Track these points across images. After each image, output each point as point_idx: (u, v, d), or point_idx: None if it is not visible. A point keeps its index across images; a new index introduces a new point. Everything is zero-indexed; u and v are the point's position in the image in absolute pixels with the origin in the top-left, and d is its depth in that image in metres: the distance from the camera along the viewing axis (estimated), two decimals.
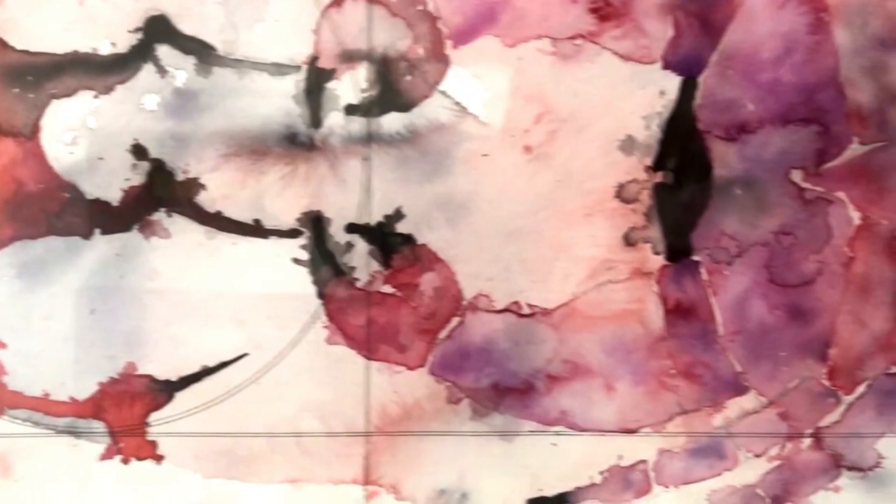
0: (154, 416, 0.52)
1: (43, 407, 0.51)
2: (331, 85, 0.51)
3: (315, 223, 0.51)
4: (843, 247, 0.51)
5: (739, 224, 0.51)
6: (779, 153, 0.51)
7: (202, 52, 0.50)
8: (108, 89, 0.51)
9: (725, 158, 0.51)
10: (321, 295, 0.51)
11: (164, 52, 0.51)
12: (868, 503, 0.53)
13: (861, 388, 0.52)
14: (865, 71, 0.51)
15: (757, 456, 0.53)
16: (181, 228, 0.51)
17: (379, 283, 0.51)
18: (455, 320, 0.52)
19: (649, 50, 0.51)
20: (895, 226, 0.51)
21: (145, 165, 0.51)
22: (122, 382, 0.51)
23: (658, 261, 0.51)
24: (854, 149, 0.51)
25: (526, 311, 0.52)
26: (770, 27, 0.50)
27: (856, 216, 0.51)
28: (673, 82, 0.51)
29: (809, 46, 0.50)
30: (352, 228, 0.51)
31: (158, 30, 0.50)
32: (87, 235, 0.51)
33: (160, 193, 0.51)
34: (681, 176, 0.51)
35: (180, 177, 0.51)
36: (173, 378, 0.52)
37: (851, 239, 0.51)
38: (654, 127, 0.51)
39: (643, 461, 0.52)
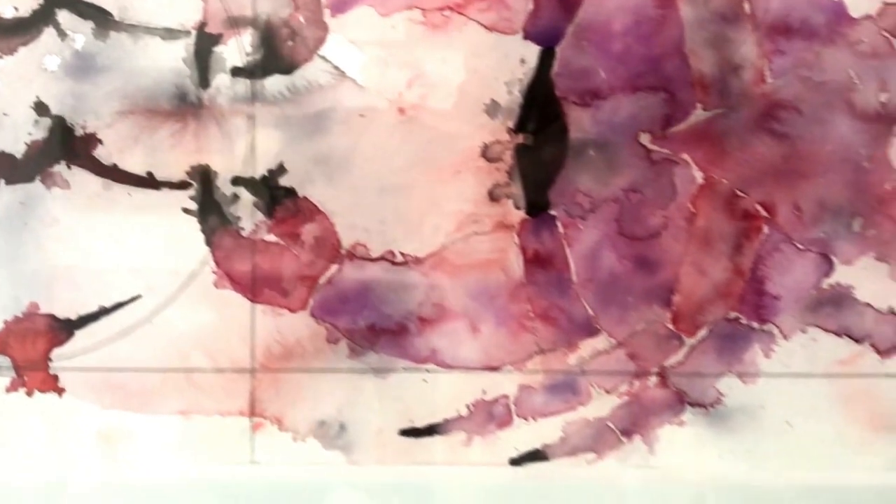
0: (56, 353, 0.56)
1: None
2: (218, 49, 0.55)
3: (203, 176, 0.55)
4: (686, 204, 0.56)
5: (592, 182, 0.56)
6: (628, 118, 0.56)
7: (99, 18, 0.54)
8: (11, 50, 0.54)
9: (580, 122, 0.56)
10: (209, 242, 0.56)
11: (63, 16, 0.54)
12: (709, 437, 0.58)
13: (702, 332, 0.57)
14: (708, 42, 0.55)
15: (608, 392, 0.57)
16: (80, 180, 0.55)
17: (263, 233, 0.56)
18: (334, 267, 0.56)
19: (511, 22, 0.55)
20: (734, 185, 0.56)
21: (47, 121, 0.55)
22: (26, 321, 0.56)
23: (519, 215, 0.56)
24: (697, 114, 0.56)
25: (399, 259, 0.56)
26: (620, 2, 0.55)
27: (699, 176, 0.56)
28: (532, 52, 0.55)
29: (656, 20, 0.55)
30: (237, 181, 0.55)
31: None
32: None
33: (62, 147, 0.55)
34: (540, 138, 0.56)
35: (79, 132, 0.55)
36: (73, 317, 0.56)
37: (694, 196, 0.56)
38: (516, 92, 0.55)
39: (505, 396, 0.57)
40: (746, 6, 0.55)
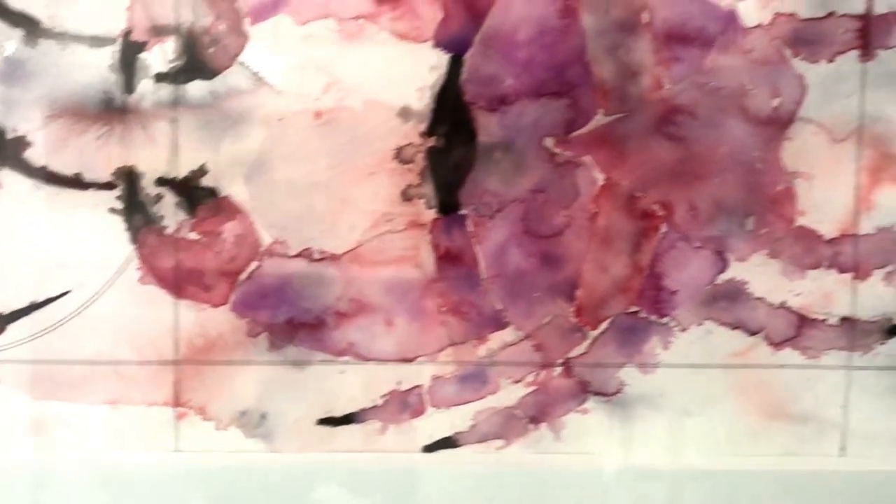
0: None
1: None
2: (142, 56, 0.57)
3: (128, 177, 0.58)
4: (588, 204, 0.59)
5: (500, 183, 0.59)
6: (533, 122, 0.59)
7: (29, 25, 0.57)
8: None
9: (488, 126, 0.59)
10: (134, 240, 0.58)
11: None
12: (611, 424, 0.61)
13: (604, 325, 0.60)
14: (608, 51, 0.58)
15: (515, 382, 0.61)
16: (11, 181, 0.58)
17: (186, 231, 0.58)
18: (254, 264, 0.59)
19: (422, 30, 0.58)
20: (633, 186, 0.59)
21: None
22: None
23: (430, 214, 0.59)
24: (599, 119, 0.59)
25: (317, 256, 0.59)
26: (525, 12, 0.58)
27: (600, 177, 0.59)
28: (442, 59, 0.58)
29: (559, 29, 0.58)
30: (161, 182, 0.58)
31: None
32: None
33: None
34: (450, 141, 0.58)
35: (10, 135, 0.57)
36: (5, 312, 0.59)
37: (596, 197, 0.59)
38: (427, 98, 0.58)
39: (419, 386, 0.60)
40: (645, 16, 0.58)
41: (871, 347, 0.60)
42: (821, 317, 0.60)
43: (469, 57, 0.58)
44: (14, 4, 0.56)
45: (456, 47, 0.58)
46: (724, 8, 0.58)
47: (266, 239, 0.58)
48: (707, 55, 0.58)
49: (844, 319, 0.60)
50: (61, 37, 0.57)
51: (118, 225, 0.58)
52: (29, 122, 0.57)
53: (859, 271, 0.60)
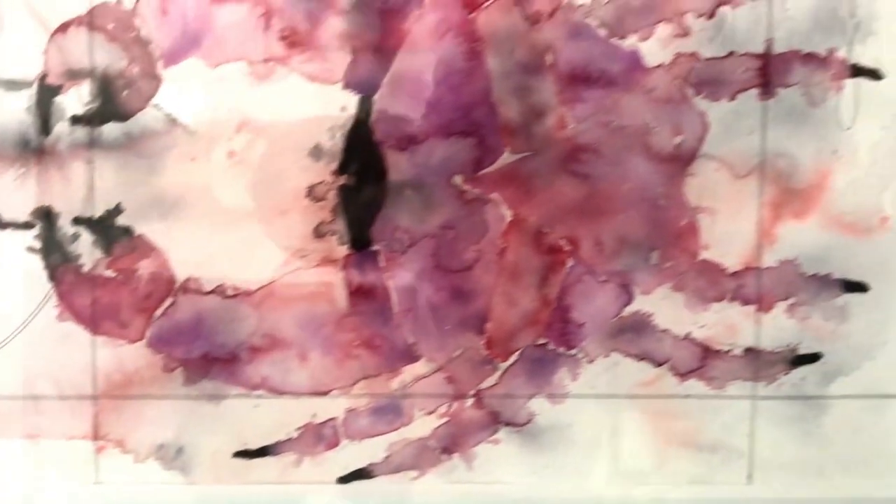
0: None
1: None
2: (58, 99, 0.59)
3: (46, 216, 0.59)
4: (497, 239, 0.61)
5: (411, 220, 0.60)
6: (442, 160, 0.60)
7: None
8: None
9: (398, 164, 0.60)
10: (52, 278, 0.60)
11: None
12: (522, 454, 0.62)
13: (514, 357, 0.62)
14: (513, 91, 0.60)
15: (428, 413, 0.62)
16: None
17: (102, 268, 0.60)
18: (169, 301, 0.60)
19: (331, 72, 0.59)
20: (540, 222, 0.61)
21: None
22: None
23: (343, 250, 0.60)
24: (506, 157, 0.60)
25: (231, 292, 0.61)
26: (432, 54, 0.59)
27: (508, 214, 0.61)
28: (352, 100, 0.59)
29: (465, 71, 0.60)
30: (78, 221, 0.59)
31: None
32: None
33: None
34: (361, 179, 0.60)
35: None
36: None
37: (504, 232, 0.61)
38: (338, 137, 0.60)
39: (333, 418, 0.62)
40: (548, 58, 0.59)
41: (775, 378, 0.62)
42: (725, 348, 0.61)
43: (378, 98, 0.59)
44: None
45: (365, 88, 0.59)
46: (626, 49, 0.59)
47: (180, 276, 0.60)
48: (610, 95, 0.59)
49: (749, 350, 0.62)
50: None
51: (36, 263, 0.59)
52: None
53: (762, 303, 0.61)
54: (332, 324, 0.60)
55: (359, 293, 0.60)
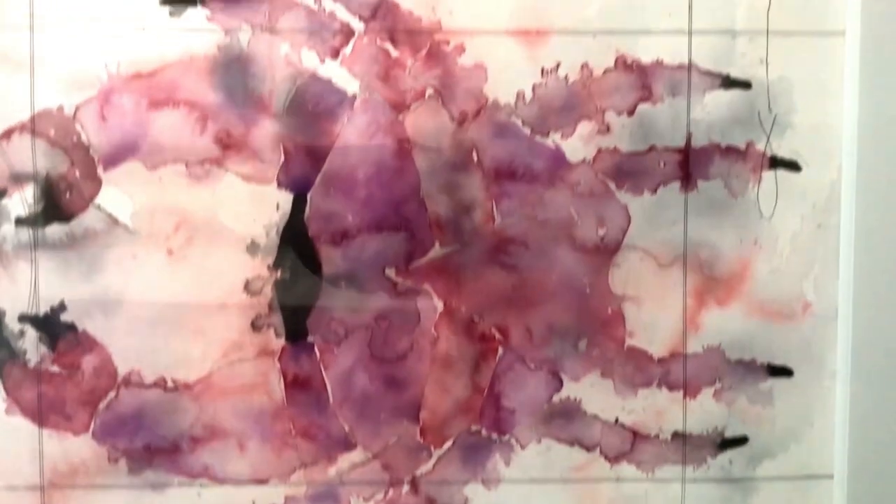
0: None
1: None
2: (3, 202, 0.61)
3: None
4: (429, 329, 0.63)
5: (345, 312, 0.62)
6: (375, 254, 0.62)
7: None
8: None
9: (332, 259, 0.62)
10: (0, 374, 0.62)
11: None
12: None
13: (448, 443, 0.63)
14: (441, 188, 0.62)
15: (366, 500, 0.63)
16: None
17: (48, 364, 0.62)
18: (112, 394, 0.62)
19: (266, 172, 0.61)
20: (471, 311, 0.63)
21: None
22: None
23: (280, 342, 0.62)
24: (436, 250, 0.62)
25: (171, 385, 0.63)
26: (363, 154, 0.61)
27: (439, 304, 0.63)
28: (287, 198, 0.62)
29: (395, 169, 0.62)
30: (23, 318, 0.62)
31: None
32: None
33: None
34: (296, 273, 0.62)
35: None
36: None
37: (436, 322, 0.63)
38: (273, 234, 0.62)
39: None
40: (474, 156, 0.61)
41: (703, 460, 0.63)
42: (654, 432, 0.63)
43: (311, 195, 0.61)
44: None
45: (298, 187, 0.61)
46: (550, 145, 0.61)
47: (123, 370, 0.62)
48: (535, 189, 0.61)
49: (676, 434, 0.63)
50: None
51: None
52: None
53: (689, 389, 0.63)
54: (269, 414, 0.62)
55: (295, 384, 0.62)
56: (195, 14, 0.61)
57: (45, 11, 0.60)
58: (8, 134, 0.60)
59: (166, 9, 0.61)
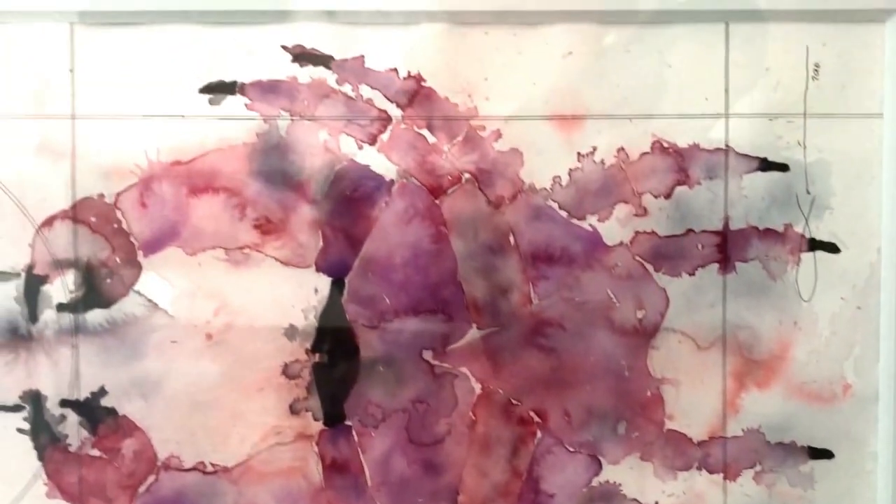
0: None
1: None
2: (45, 288, 0.62)
3: (34, 399, 0.62)
4: (467, 412, 0.63)
5: (383, 395, 0.63)
6: (412, 337, 0.62)
7: None
8: None
9: (370, 342, 0.62)
10: (41, 458, 0.62)
11: None
12: None
13: None
14: (478, 271, 0.62)
15: None
16: None
17: (88, 448, 0.62)
18: (151, 478, 0.63)
19: (304, 257, 0.62)
20: (509, 394, 0.63)
21: None
22: None
23: (317, 426, 0.63)
24: (473, 333, 0.62)
25: (210, 469, 0.63)
26: (400, 238, 0.62)
27: (477, 387, 0.63)
28: (325, 282, 0.62)
29: (432, 253, 0.62)
30: (64, 403, 0.62)
31: None
32: None
33: None
34: (334, 356, 0.62)
35: None
36: None
37: (474, 405, 0.63)
38: (312, 318, 0.62)
39: None
40: (511, 239, 0.61)
41: None
42: None
43: (349, 280, 0.62)
44: None
45: (336, 271, 0.62)
46: (587, 229, 0.61)
47: (162, 454, 0.62)
48: (572, 272, 0.61)
49: None
50: None
51: (26, 444, 0.62)
52: None
53: (729, 472, 0.62)
54: (307, 498, 0.62)
55: (333, 467, 0.62)
56: (234, 102, 0.61)
57: (85, 101, 0.61)
58: (49, 221, 0.61)
59: (205, 97, 0.61)
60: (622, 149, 0.61)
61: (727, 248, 0.62)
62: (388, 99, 0.61)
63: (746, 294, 0.62)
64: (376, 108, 0.61)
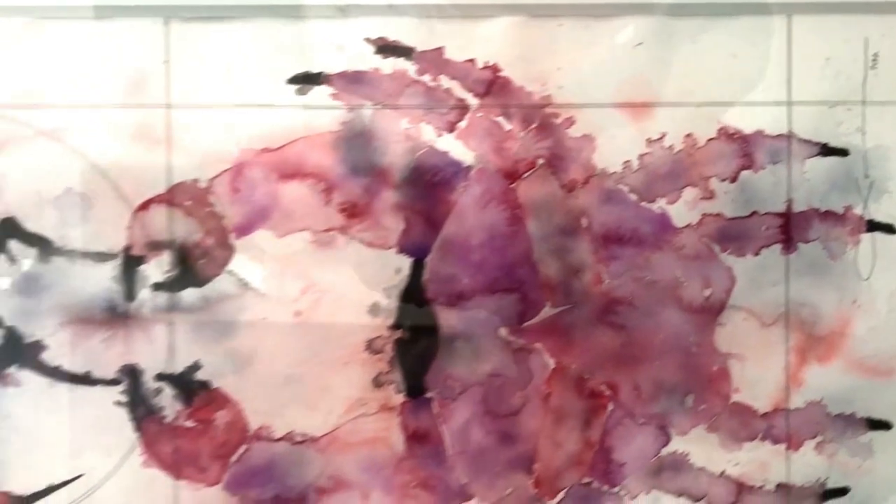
0: None
1: None
2: (141, 268, 0.65)
3: (132, 373, 0.66)
4: (541, 385, 0.66)
5: (461, 369, 0.66)
6: (489, 315, 0.65)
7: (42, 245, 0.65)
8: None
9: (449, 319, 0.66)
10: (138, 429, 0.66)
11: (13, 245, 0.65)
12: None
13: (560, 495, 0.66)
14: (552, 252, 0.65)
15: None
16: (29, 379, 0.66)
17: (183, 419, 0.66)
18: (243, 447, 0.66)
19: (387, 239, 0.65)
20: (581, 369, 0.66)
21: (1, 331, 0.66)
22: None
23: (399, 398, 0.66)
24: (547, 311, 0.65)
25: (298, 439, 0.66)
26: (477, 221, 0.65)
27: (551, 362, 0.66)
28: (406, 263, 0.65)
29: (508, 235, 0.65)
30: (160, 377, 0.66)
31: (9, 229, 0.65)
32: None
33: (14, 352, 0.66)
34: (415, 333, 0.66)
35: (28, 340, 0.65)
36: (26, 494, 0.66)
37: (548, 379, 0.66)
38: (394, 296, 0.65)
39: None
40: (584, 221, 0.65)
41: None
42: (758, 484, 0.66)
43: (429, 260, 0.65)
44: (29, 227, 0.65)
45: (417, 252, 0.65)
46: (656, 211, 0.64)
47: (253, 425, 0.65)
48: (642, 253, 0.65)
49: (780, 486, 0.66)
50: (70, 254, 0.65)
51: (123, 416, 0.65)
52: (44, 329, 0.65)
53: (792, 442, 0.66)
54: (391, 466, 0.66)
55: (415, 437, 0.66)
56: (320, 92, 0.64)
57: (179, 91, 0.64)
58: (146, 205, 0.65)
59: (293, 88, 0.64)
60: (690, 135, 0.64)
61: (790, 229, 0.65)
62: (466, 88, 0.64)
63: (808, 273, 0.65)
64: (455, 98, 0.64)
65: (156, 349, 0.65)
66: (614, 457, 0.66)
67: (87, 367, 0.65)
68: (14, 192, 0.65)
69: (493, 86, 0.64)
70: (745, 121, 0.64)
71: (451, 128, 0.64)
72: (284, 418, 0.65)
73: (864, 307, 0.65)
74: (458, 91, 0.64)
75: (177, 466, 0.65)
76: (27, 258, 0.65)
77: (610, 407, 0.65)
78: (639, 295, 0.65)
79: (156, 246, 0.65)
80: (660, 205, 0.65)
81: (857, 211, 0.64)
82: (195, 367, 0.65)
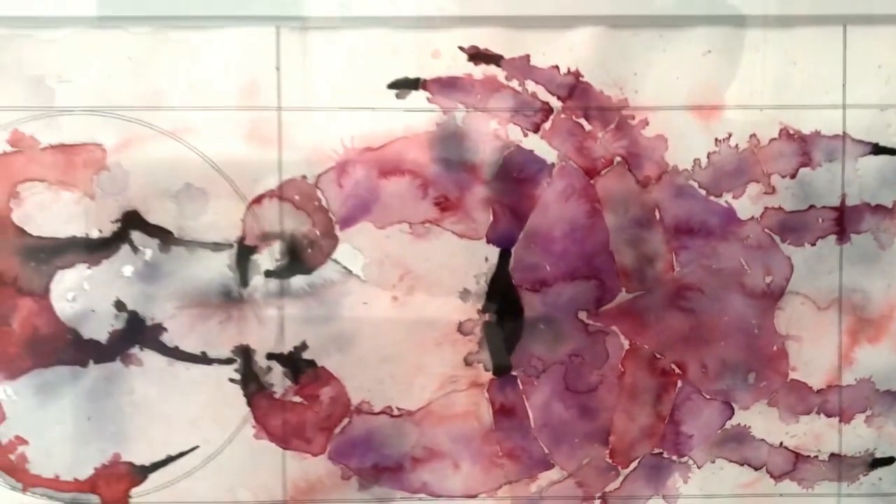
0: (133, 491, 0.72)
1: (55, 486, 0.71)
2: (254, 257, 0.71)
3: (244, 353, 0.72)
4: (617, 365, 0.72)
5: (544, 349, 0.72)
6: (569, 300, 0.71)
7: (163, 236, 0.71)
8: (96, 262, 0.71)
9: (532, 303, 0.72)
10: (249, 404, 0.72)
11: (136, 236, 0.71)
12: None
13: (634, 464, 0.72)
14: (628, 242, 0.71)
15: None
16: (150, 359, 0.71)
17: (291, 395, 0.72)
18: (345, 420, 0.73)
19: (476, 230, 0.71)
20: (653, 349, 0.72)
21: (124, 315, 0.71)
22: (111, 467, 0.72)
23: (488, 376, 0.72)
24: (622, 296, 0.71)
25: (396, 413, 0.72)
26: (560, 213, 0.71)
27: (626, 343, 0.72)
28: (494, 252, 0.71)
29: (587, 226, 0.71)
30: (270, 356, 0.72)
31: (132, 221, 0.71)
32: (84, 364, 0.70)
33: (136, 334, 0.72)
34: (502, 316, 0.71)
35: (149, 323, 0.71)
36: (147, 464, 0.72)
37: (623, 359, 0.72)
38: (483, 283, 0.71)
39: None
40: (657, 214, 0.71)
41: (856, 478, 0.72)
42: (813, 454, 0.72)
43: (515, 250, 0.71)
44: (151, 219, 0.70)
45: (504, 242, 0.71)
46: (723, 205, 0.71)
47: (355, 400, 0.72)
48: (710, 243, 0.71)
49: (833, 455, 0.72)
50: (189, 244, 0.70)
51: (236, 392, 0.71)
52: (164, 312, 0.71)
53: (844, 416, 0.72)
54: (479, 438, 0.72)
55: (501, 412, 0.72)
56: (417, 96, 0.70)
57: (289, 95, 0.70)
58: (259, 199, 0.71)
59: (392, 92, 0.70)
60: (754, 135, 0.71)
61: (843, 221, 0.71)
62: (550, 92, 0.70)
63: (860, 262, 0.71)
64: (539, 101, 0.70)
65: (266, 331, 0.71)
66: (683, 429, 0.72)
67: (204, 348, 0.71)
68: (137, 187, 0.70)
69: (574, 90, 0.70)
70: (803, 122, 0.70)
71: (536, 128, 0.70)
72: (383, 394, 0.71)
73: None
74: (543, 95, 0.70)
75: (285, 438, 0.71)
76: (149, 248, 0.70)
77: (679, 384, 0.72)
78: (706, 281, 0.71)
79: (267, 237, 0.70)
80: (726, 199, 0.71)
81: None
82: (302, 347, 0.71)
